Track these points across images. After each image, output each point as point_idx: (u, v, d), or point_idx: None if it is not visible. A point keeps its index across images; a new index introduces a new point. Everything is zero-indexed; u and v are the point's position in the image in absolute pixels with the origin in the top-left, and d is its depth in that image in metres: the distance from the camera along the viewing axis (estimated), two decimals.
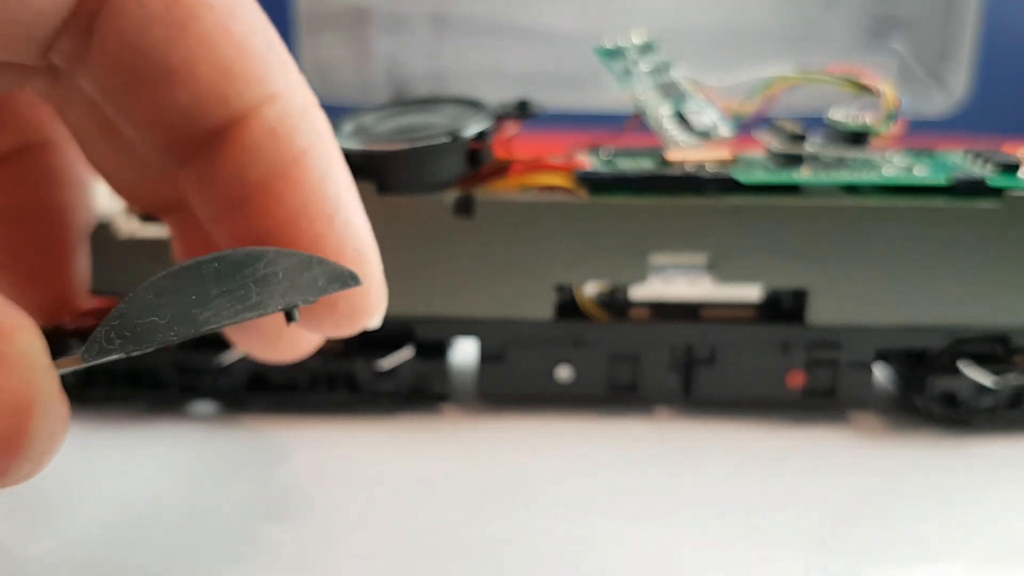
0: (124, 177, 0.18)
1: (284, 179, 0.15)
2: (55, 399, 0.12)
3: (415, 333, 0.24)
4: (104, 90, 0.15)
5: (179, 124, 0.15)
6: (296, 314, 0.14)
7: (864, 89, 0.24)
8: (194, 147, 0.15)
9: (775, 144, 0.24)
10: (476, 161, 0.23)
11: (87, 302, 0.21)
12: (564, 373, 0.25)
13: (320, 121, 0.16)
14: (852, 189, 0.23)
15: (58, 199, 0.20)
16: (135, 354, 0.12)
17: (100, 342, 0.12)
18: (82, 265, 0.21)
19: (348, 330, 0.17)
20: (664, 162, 0.24)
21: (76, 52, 0.14)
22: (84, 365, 0.13)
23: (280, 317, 0.17)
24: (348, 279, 0.14)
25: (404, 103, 0.25)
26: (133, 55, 0.14)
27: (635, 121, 0.25)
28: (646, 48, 0.26)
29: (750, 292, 0.25)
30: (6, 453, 0.12)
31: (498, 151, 0.24)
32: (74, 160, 0.20)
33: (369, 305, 0.16)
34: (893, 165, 0.24)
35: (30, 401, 0.12)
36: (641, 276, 0.23)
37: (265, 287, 0.13)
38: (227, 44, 0.14)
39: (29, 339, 0.12)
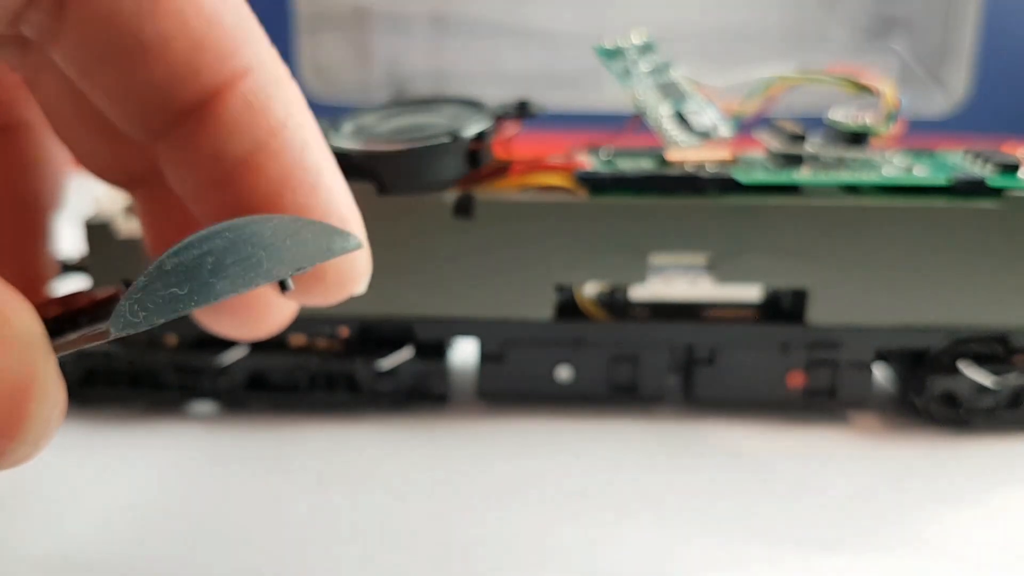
0: (94, 150, 0.18)
1: (265, 152, 0.15)
2: (53, 382, 0.12)
3: (415, 333, 0.24)
4: (77, 64, 0.15)
5: (153, 99, 0.15)
6: (290, 283, 0.14)
7: (864, 89, 0.24)
8: (170, 122, 0.15)
9: (775, 144, 0.24)
10: (476, 161, 0.23)
11: (51, 292, 0.21)
12: (564, 373, 0.25)
13: (294, 92, 0.16)
14: (852, 189, 0.23)
15: (30, 182, 0.20)
16: (156, 325, 0.12)
17: (125, 315, 0.12)
18: (51, 249, 0.21)
19: (335, 298, 0.17)
20: (664, 162, 0.24)
21: (48, 25, 0.14)
22: (90, 345, 0.13)
23: (266, 289, 0.16)
24: (350, 242, 0.14)
25: (404, 103, 0.25)
26: (105, 29, 0.14)
27: (635, 121, 0.25)
28: (646, 48, 0.26)
29: (750, 292, 0.25)
30: (3, 436, 0.12)
31: (498, 151, 0.24)
32: (48, 144, 0.20)
33: (356, 272, 0.16)
34: (893, 165, 0.24)
35: (29, 384, 0.12)
36: (641, 276, 0.23)
37: (274, 253, 0.13)
38: (198, 17, 0.14)
39: (27, 321, 0.12)
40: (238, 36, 0.15)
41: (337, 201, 0.16)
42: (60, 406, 0.13)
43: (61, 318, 0.13)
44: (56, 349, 0.12)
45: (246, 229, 0.13)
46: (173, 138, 0.15)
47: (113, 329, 0.12)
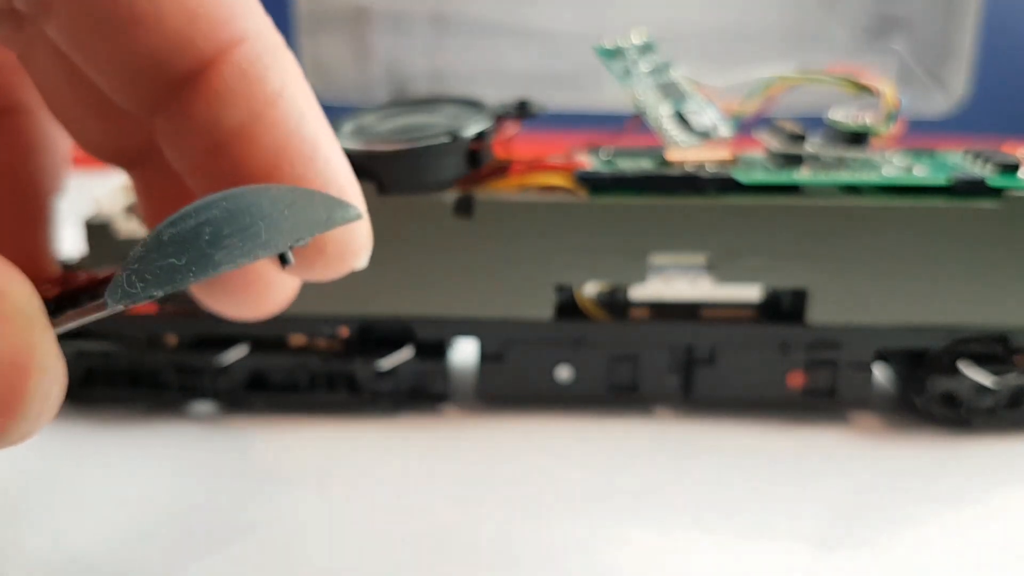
0: (89, 128, 0.18)
1: (261, 123, 0.15)
2: (52, 358, 0.12)
3: (415, 333, 0.24)
4: (70, 37, 0.15)
5: (148, 70, 0.15)
6: (291, 257, 0.14)
7: (864, 89, 0.24)
8: (165, 93, 0.15)
9: (775, 144, 0.24)
10: (476, 161, 0.23)
11: (52, 273, 0.21)
12: (564, 373, 0.25)
13: (290, 62, 0.15)
14: (852, 189, 0.23)
15: (30, 165, 0.20)
16: (157, 297, 0.12)
17: (122, 286, 0.12)
18: (51, 232, 0.21)
19: (337, 272, 0.16)
20: (664, 162, 0.24)
21: None
22: (89, 319, 0.12)
23: (266, 265, 0.16)
24: (350, 212, 0.14)
25: (404, 103, 0.25)
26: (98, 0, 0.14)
27: (635, 121, 0.25)
28: (646, 48, 0.26)
29: (750, 292, 0.25)
30: (2, 414, 0.12)
31: (498, 151, 0.24)
32: (48, 127, 0.20)
33: (358, 244, 0.16)
34: (893, 165, 0.24)
35: (27, 360, 0.12)
36: (641, 276, 0.23)
37: (273, 224, 0.13)
38: None
39: (25, 296, 0.12)
40: (233, 4, 0.15)
41: (335, 172, 0.15)
42: (60, 382, 0.12)
43: (61, 297, 0.13)
44: (55, 325, 0.12)
45: (243, 199, 0.13)
46: (168, 109, 0.15)
47: (110, 301, 0.12)
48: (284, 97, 0.15)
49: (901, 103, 0.24)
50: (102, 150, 0.18)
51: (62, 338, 0.13)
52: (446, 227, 0.23)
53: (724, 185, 0.23)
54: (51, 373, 0.12)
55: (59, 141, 0.20)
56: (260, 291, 0.18)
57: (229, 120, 0.15)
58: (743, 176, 0.23)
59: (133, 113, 0.15)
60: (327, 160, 0.15)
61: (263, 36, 0.15)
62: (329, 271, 0.16)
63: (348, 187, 0.16)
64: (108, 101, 0.16)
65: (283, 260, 0.14)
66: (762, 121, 0.25)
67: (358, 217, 0.14)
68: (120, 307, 0.12)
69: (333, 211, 0.14)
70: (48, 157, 0.20)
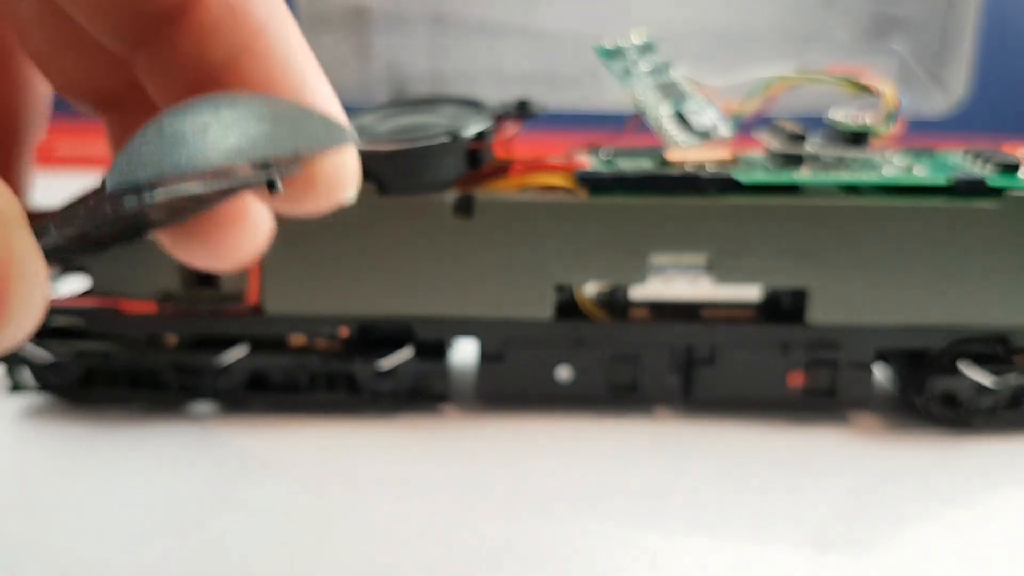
0: (66, 67, 0.17)
1: (248, 55, 0.15)
2: (32, 260, 0.12)
3: (415, 333, 0.24)
4: None
5: (130, 4, 0.14)
6: (279, 184, 0.13)
7: (864, 89, 0.24)
8: (148, 29, 0.15)
9: (775, 144, 0.24)
10: (476, 161, 0.23)
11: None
12: (564, 373, 0.25)
13: None
14: (852, 189, 0.23)
15: (5, 104, 0.20)
16: (154, 190, 0.12)
17: (121, 169, 0.11)
18: (27, 176, 0.21)
19: (326, 205, 0.16)
20: (664, 162, 0.24)
21: None
22: (75, 218, 0.12)
23: (240, 207, 0.16)
24: (345, 134, 0.14)
25: (404, 103, 0.25)
26: None
27: (635, 121, 0.25)
28: (646, 48, 0.26)
29: (750, 292, 0.25)
30: None
31: (498, 151, 0.24)
32: (24, 65, 0.20)
33: (348, 176, 0.16)
34: (893, 165, 0.24)
35: (5, 264, 0.11)
36: (641, 276, 0.23)
37: (276, 127, 0.13)
38: None
39: (3, 199, 0.11)
40: None
41: (325, 104, 0.15)
42: (42, 286, 0.12)
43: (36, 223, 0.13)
44: (38, 226, 0.12)
45: (246, 103, 0.13)
46: (153, 45, 0.15)
47: (108, 183, 0.11)
48: (270, 29, 0.15)
49: (901, 103, 0.24)
50: (79, 90, 0.18)
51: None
52: (446, 227, 0.23)
53: (724, 185, 0.23)
54: (32, 277, 0.12)
55: (37, 82, 0.20)
56: (231, 236, 0.17)
57: (216, 54, 0.15)
58: (743, 176, 0.23)
59: (113, 50, 0.15)
60: (315, 92, 0.15)
61: None
62: (318, 204, 0.16)
63: (338, 118, 0.16)
64: (87, 38, 0.15)
65: (271, 186, 0.13)
66: (762, 121, 0.25)
67: (353, 140, 0.14)
68: (120, 188, 0.11)
69: (330, 130, 0.14)
70: (24, 96, 0.20)
